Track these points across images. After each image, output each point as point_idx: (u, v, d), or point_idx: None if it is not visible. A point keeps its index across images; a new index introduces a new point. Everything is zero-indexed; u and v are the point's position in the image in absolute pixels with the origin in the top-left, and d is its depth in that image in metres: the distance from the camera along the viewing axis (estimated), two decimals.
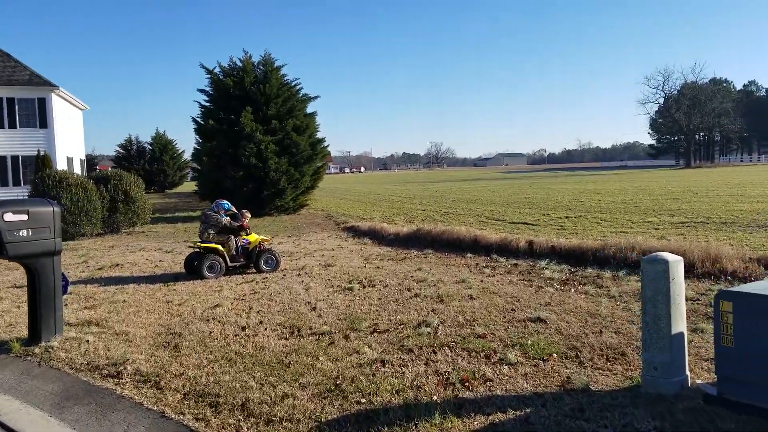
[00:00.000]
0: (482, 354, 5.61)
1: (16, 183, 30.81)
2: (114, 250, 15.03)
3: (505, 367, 5.25)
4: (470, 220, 19.55)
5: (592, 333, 6.20)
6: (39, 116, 31.24)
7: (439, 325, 6.67)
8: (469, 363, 5.38)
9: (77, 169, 36.86)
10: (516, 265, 10.58)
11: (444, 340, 6.11)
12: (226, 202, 10.96)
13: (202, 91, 26.84)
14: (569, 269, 9.91)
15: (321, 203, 30.99)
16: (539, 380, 4.95)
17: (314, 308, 7.70)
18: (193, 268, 10.46)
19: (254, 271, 10.79)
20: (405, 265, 11.08)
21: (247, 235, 10.99)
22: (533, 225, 16.86)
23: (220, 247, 10.48)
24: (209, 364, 5.60)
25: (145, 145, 61.77)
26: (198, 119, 26.86)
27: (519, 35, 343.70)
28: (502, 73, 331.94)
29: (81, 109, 40.31)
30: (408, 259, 11.95)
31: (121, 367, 5.56)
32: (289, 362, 5.53)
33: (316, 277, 9.99)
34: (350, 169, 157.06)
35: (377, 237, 15.81)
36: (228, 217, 10.80)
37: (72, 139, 36.99)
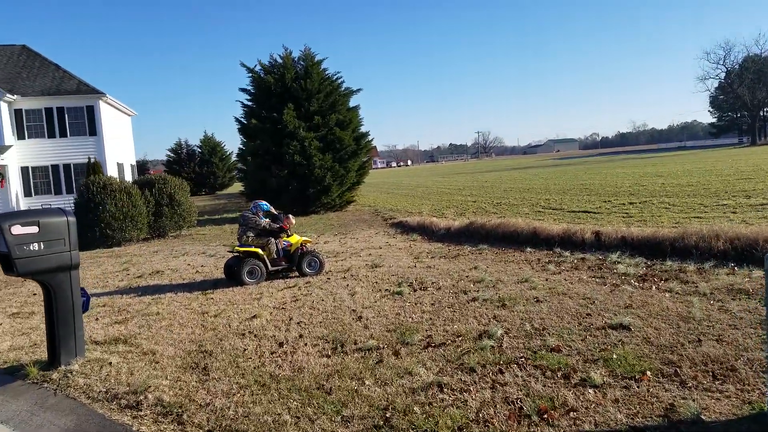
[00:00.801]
0: (559, 373, 4.67)
1: (69, 191, 31.37)
2: (157, 255, 14.70)
3: (590, 390, 4.30)
4: (525, 210, 18.41)
5: (689, 342, 5.15)
6: (88, 124, 31.74)
7: (503, 336, 5.75)
8: (544, 386, 4.45)
9: (128, 175, 37.44)
10: (583, 259, 9.49)
11: (511, 355, 5.19)
12: (265, 203, 10.30)
13: (243, 90, 26.51)
14: (645, 263, 8.77)
15: (368, 199, 30.30)
16: (635, 408, 3.99)
17: (360, 317, 6.90)
18: (232, 274, 9.85)
19: (297, 274, 10.11)
20: (459, 264, 10.16)
21: (288, 236, 10.30)
22: (595, 213, 15.61)
23: (259, 250, 9.83)
24: (240, 390, 4.87)
25: (195, 148, 62.65)
26: (241, 119, 26.56)
27: (567, 17, 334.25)
28: (550, 57, 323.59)
29: (129, 115, 40.91)
30: (461, 256, 11.01)
31: (142, 396, 4.90)
32: (331, 388, 4.73)
33: (363, 280, 9.20)
34: (397, 163, 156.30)
35: (427, 232, 14.92)
36: (267, 219, 10.13)
37: (122, 145, 37.54)
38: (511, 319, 6.31)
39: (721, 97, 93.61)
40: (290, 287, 9.13)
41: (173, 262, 13.16)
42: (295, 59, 25.91)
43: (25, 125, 30.57)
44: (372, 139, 26.97)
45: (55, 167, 31.28)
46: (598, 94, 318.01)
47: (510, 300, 7.11)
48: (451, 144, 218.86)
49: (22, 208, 30.21)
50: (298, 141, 23.51)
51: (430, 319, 6.61)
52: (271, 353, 5.81)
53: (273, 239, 10.02)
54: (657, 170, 34.02)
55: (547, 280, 8.18)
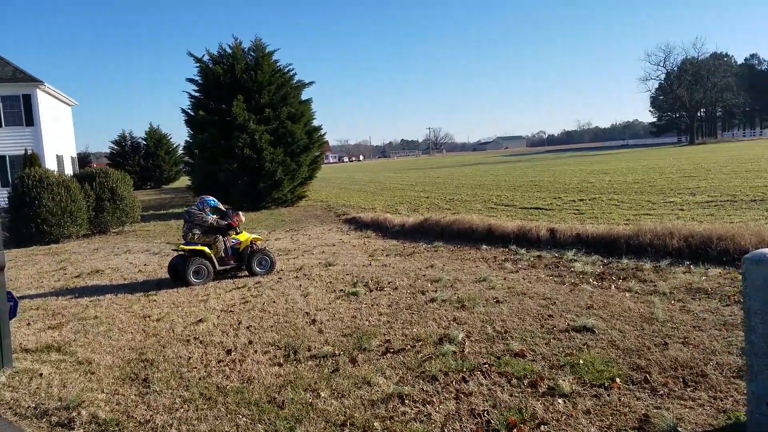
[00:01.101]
0: (526, 381, 4.47)
1: (5, 184, 29.66)
2: (98, 253, 13.89)
3: (560, 400, 4.10)
4: (478, 206, 18.39)
5: (655, 346, 5.05)
6: (25, 113, 30.08)
7: (464, 340, 5.52)
8: (511, 396, 4.23)
9: (68, 168, 35.71)
10: (539, 257, 9.41)
11: (474, 361, 4.96)
12: (212, 198, 9.78)
13: (190, 80, 25.54)
14: (602, 261, 8.75)
15: (320, 194, 29.82)
16: (608, 419, 3.81)
17: (314, 320, 6.56)
18: (177, 274, 9.32)
19: (246, 274, 9.66)
20: (415, 262, 9.94)
21: (237, 234, 9.83)
22: (547, 210, 15.70)
23: (206, 249, 9.33)
24: (183, 405, 4.46)
25: (140, 140, 60.43)
26: (188, 110, 25.59)
27: (515, 16, 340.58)
28: (500, 56, 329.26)
29: (69, 105, 39.05)
30: (417, 253, 10.80)
31: (76, 412, 4.43)
32: (283, 401, 4.38)
33: (316, 280, 8.85)
34: (349, 158, 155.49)
35: (381, 229, 14.66)
36: (215, 215, 9.62)
37: (61, 136, 35.78)
38: (472, 322, 6.10)
39: (661, 97, 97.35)
40: (239, 288, 8.69)
41: (114, 260, 12.44)
42: (246, 50, 25.15)
43: None
44: (324, 134, 26.55)
45: None
46: (545, 93, 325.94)
47: (469, 301, 6.91)
48: (402, 140, 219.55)
49: None
50: (248, 134, 22.83)
51: (388, 322, 6.33)
52: (218, 362, 5.41)
53: (221, 237, 9.53)
54: (603, 167, 34.85)
55: (505, 279, 8.04)
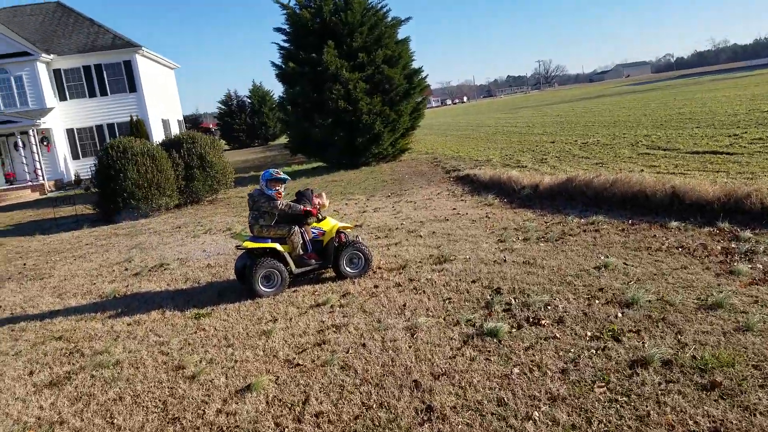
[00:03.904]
0: None
1: None
2: (178, 233, 12.05)
3: None
4: (625, 152, 14.62)
5: None
6: (127, 80, 29.58)
7: None
8: None
9: (175, 131, 35.37)
10: None
11: None
12: (269, 170, 7.14)
13: (278, 29, 23.08)
14: None
15: (425, 144, 26.84)
16: None
17: (429, 408, 3.77)
18: (245, 278, 6.96)
19: (332, 273, 7.12)
20: (571, 253, 6.83)
21: (319, 221, 7.24)
22: (730, 155, 11.73)
23: (278, 246, 6.83)
24: None
25: (245, 99, 60.38)
26: (278, 63, 23.33)
27: None
28: None
29: (171, 68, 38.56)
30: (570, 236, 7.64)
31: None
32: None
33: (427, 291, 6.06)
34: (452, 101, 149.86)
35: (506, 191, 11.54)
36: (285, 200, 7.03)
37: (166, 100, 35.40)
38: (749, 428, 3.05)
39: None
40: (319, 305, 6.11)
41: (189, 245, 10.44)
42: None
43: (65, 86, 28.78)
44: (426, 76, 23.19)
45: (99, 127, 29.51)
46: (670, 9, 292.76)
47: (724, 366, 3.77)
48: (509, 76, 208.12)
49: (71, 171, 28.82)
50: (342, 84, 20.15)
51: (573, 427, 3.42)
52: None
53: (297, 228, 6.98)
54: (765, 90, 28.64)
55: (756, 300, 4.78)
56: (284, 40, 23.02)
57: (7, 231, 15.46)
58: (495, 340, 4.64)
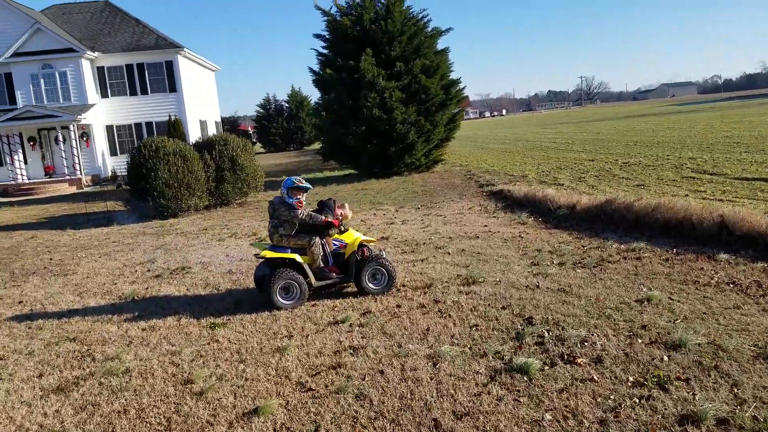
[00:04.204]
0: None
1: None
2: (205, 235, 11.95)
3: None
4: (668, 174, 14.01)
5: None
6: (167, 80, 30.04)
7: None
8: None
9: (212, 132, 35.79)
10: None
11: None
12: (291, 178, 6.90)
13: (318, 36, 23.05)
14: None
15: (459, 155, 26.43)
16: None
17: None
18: (263, 288, 6.72)
19: (354, 288, 6.82)
20: (610, 282, 6.38)
21: (341, 233, 6.96)
22: None
23: (297, 257, 6.57)
24: None
25: (283, 103, 60.98)
26: (315, 69, 23.29)
27: None
28: None
29: (212, 70, 39.08)
30: (609, 263, 7.18)
31: None
32: None
33: (453, 316, 5.71)
34: (490, 113, 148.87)
35: (541, 210, 11.10)
36: (307, 210, 6.76)
37: (204, 101, 35.86)
38: None
39: None
40: (337, 323, 5.81)
41: (213, 249, 10.29)
42: None
43: (107, 83, 29.38)
44: (463, 87, 22.82)
45: (138, 125, 30.02)
46: (719, 29, 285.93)
47: None
48: (550, 91, 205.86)
49: (109, 167, 29.35)
50: (377, 92, 19.95)
51: None
52: None
53: (318, 239, 6.70)
54: None
55: None
56: (323, 47, 22.99)
57: (41, 224, 15.65)
58: (525, 378, 4.26)
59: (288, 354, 5.08)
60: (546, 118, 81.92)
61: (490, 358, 4.68)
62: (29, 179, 27.34)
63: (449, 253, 8.44)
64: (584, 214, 9.96)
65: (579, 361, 4.46)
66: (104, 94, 29.28)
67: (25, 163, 27.73)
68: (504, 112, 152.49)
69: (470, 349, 4.90)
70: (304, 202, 6.78)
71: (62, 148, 26.97)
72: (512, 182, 15.18)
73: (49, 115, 25.76)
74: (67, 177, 26.82)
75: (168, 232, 12.70)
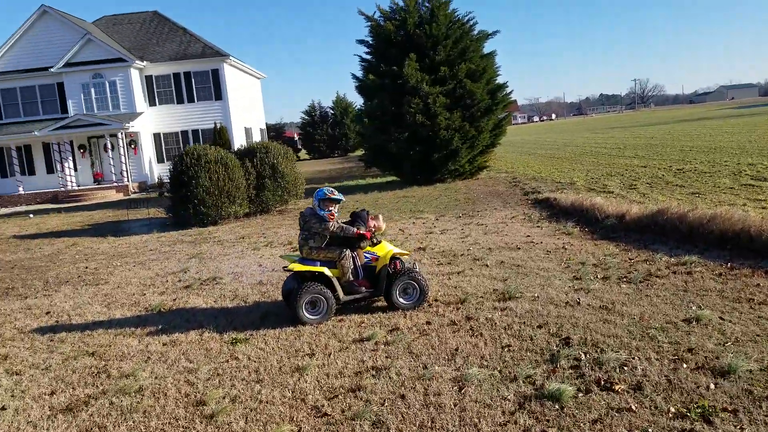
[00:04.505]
0: None
1: None
2: (241, 243, 11.90)
3: None
4: (725, 181, 13.18)
5: None
6: (213, 88, 30.58)
7: None
8: None
9: (257, 139, 36.29)
10: None
11: None
12: (323, 188, 6.63)
13: (361, 42, 22.91)
14: None
15: (505, 162, 25.82)
16: None
17: None
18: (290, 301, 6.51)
19: (383, 302, 6.52)
20: (657, 299, 5.88)
21: (373, 245, 6.68)
22: None
23: (326, 270, 6.33)
24: None
25: (327, 110, 61.38)
26: (358, 75, 23.19)
27: None
28: None
29: (258, 78, 39.65)
30: (657, 277, 6.66)
31: None
32: None
33: (485, 335, 5.33)
34: (539, 118, 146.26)
35: (587, 220, 10.55)
36: (338, 222, 6.50)
37: (250, 109, 36.36)
38: None
39: None
40: (363, 340, 5.52)
41: (247, 258, 10.19)
42: (419, 1, 21.81)
43: (155, 91, 30.14)
44: (510, 91, 22.27)
45: (184, 133, 30.66)
46: None
47: None
48: (601, 94, 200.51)
49: (155, 174, 30.08)
50: (421, 97, 19.64)
51: None
52: None
53: (349, 252, 6.44)
54: None
55: None
56: (366, 52, 22.86)
57: (84, 231, 16.01)
58: (556, 407, 3.87)
59: (307, 374, 4.83)
60: (597, 122, 79.72)
61: (521, 382, 4.30)
62: (78, 186, 28.25)
63: (487, 266, 8.04)
64: (634, 224, 9.37)
65: (617, 387, 4.04)
66: (152, 103, 30.03)
67: (75, 170, 28.66)
68: (553, 116, 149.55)
69: (500, 372, 4.52)
70: (336, 214, 6.53)
71: (110, 156, 27.75)
72: (559, 190, 14.60)
73: (98, 123, 26.57)
74: (115, 184, 27.58)
75: (205, 240, 12.73)
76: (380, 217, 6.91)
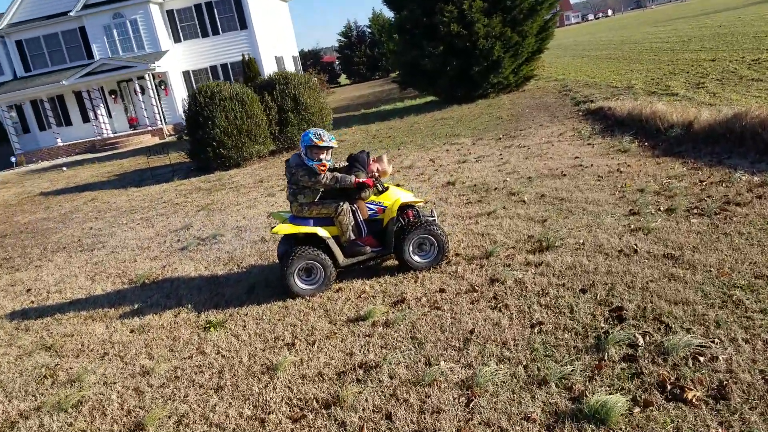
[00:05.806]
0: None
1: None
2: (258, 188, 10.88)
3: None
4: None
5: None
6: (237, 17, 28.87)
7: None
8: None
9: (290, 68, 34.66)
10: None
11: None
12: (326, 137, 5.19)
13: None
14: None
15: (556, 68, 23.41)
16: None
17: None
18: None
19: (392, 259, 5.38)
20: (741, 241, 4.41)
21: (378, 194, 5.44)
22: None
23: (320, 230, 5.17)
24: None
25: (365, 29, 58.37)
26: None
27: None
28: None
29: (284, 1, 37.49)
30: (737, 205, 5.15)
31: None
32: None
33: (510, 311, 4.08)
34: (595, 15, 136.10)
35: (648, 132, 8.89)
36: (330, 173, 5.24)
37: (279, 36, 34.52)
38: None
39: None
40: (358, 320, 4.39)
41: (258, 207, 9.16)
42: None
43: (178, 26, 28.75)
44: None
45: (213, 68, 29.40)
46: None
47: None
48: None
49: None
50: (454, 3, 17.55)
51: None
52: None
53: (347, 205, 5.23)
54: None
55: None
56: None
57: (108, 182, 15.40)
58: (603, 425, 2.67)
59: (279, 375, 3.78)
60: (658, 14, 72.86)
61: (552, 387, 3.10)
62: (114, 133, 27.79)
63: (524, 202, 6.69)
64: (704, 134, 7.69)
65: (689, 395, 2.78)
66: (177, 39, 28.72)
67: (109, 116, 28.14)
68: (610, 12, 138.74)
69: (525, 368, 3.33)
70: (329, 163, 5.23)
71: (141, 99, 26.95)
72: (614, 96, 12.72)
73: (124, 66, 25.64)
74: (149, 128, 26.95)
75: (223, 187, 11.78)
76: (384, 158, 5.61)
